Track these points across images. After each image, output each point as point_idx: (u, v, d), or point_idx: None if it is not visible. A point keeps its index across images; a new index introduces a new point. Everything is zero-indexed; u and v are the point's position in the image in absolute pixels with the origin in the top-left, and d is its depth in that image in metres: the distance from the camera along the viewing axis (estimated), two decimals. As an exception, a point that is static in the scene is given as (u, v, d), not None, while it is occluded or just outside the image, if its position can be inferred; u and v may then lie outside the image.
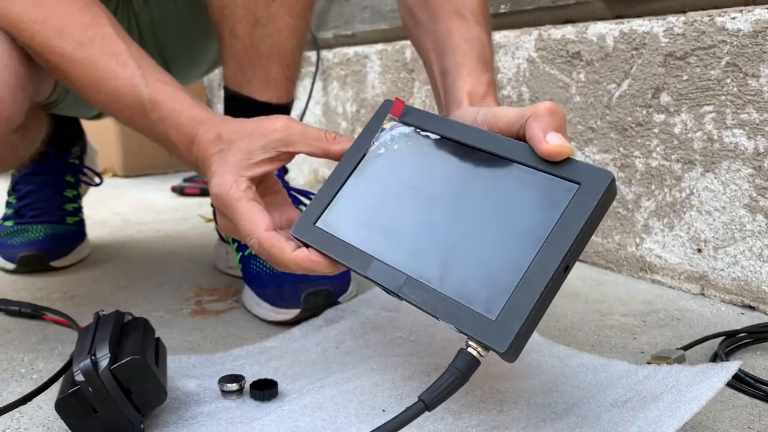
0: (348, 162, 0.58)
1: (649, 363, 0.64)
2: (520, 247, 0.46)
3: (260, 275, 0.81)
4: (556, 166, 0.47)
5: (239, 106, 0.87)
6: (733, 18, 0.78)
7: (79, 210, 1.10)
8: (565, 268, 0.45)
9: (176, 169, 2.04)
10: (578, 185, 0.46)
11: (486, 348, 0.44)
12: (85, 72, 0.64)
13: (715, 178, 0.82)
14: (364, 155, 0.57)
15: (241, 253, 0.86)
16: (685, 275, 0.86)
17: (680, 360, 0.64)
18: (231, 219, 0.58)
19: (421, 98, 1.28)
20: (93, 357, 0.52)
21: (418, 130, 0.56)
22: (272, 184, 0.63)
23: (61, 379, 0.58)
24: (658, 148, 0.88)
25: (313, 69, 1.57)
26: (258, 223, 0.56)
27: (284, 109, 0.90)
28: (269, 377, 0.62)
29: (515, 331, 0.43)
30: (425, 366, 0.63)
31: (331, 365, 0.65)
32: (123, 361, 0.52)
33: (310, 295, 0.76)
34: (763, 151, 0.77)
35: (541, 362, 0.65)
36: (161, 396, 0.54)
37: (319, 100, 1.59)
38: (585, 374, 0.62)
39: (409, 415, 0.45)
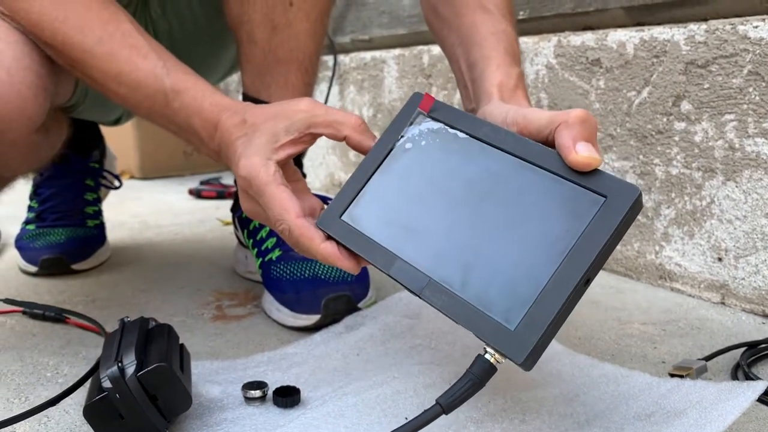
0: (375, 155, 0.58)
1: (670, 374, 0.64)
2: (543, 258, 0.46)
3: (280, 280, 0.82)
4: (584, 176, 0.47)
5: None
6: (756, 27, 0.78)
7: (99, 213, 1.11)
8: (586, 282, 0.45)
9: (192, 172, 2.05)
10: (605, 198, 0.46)
11: (503, 356, 0.45)
12: (107, 66, 0.65)
13: (737, 186, 0.81)
14: (392, 149, 0.57)
15: (261, 259, 0.87)
16: (705, 284, 0.86)
17: (702, 371, 0.64)
18: (260, 203, 0.58)
19: (438, 103, 1.28)
20: (120, 364, 0.53)
21: (446, 127, 0.56)
22: (292, 173, 0.63)
23: (87, 384, 0.59)
24: (678, 156, 0.87)
25: (329, 73, 1.58)
26: (289, 209, 0.56)
27: None
28: (291, 384, 0.62)
29: (533, 344, 0.43)
30: (446, 374, 0.63)
31: (351, 372, 0.66)
32: (149, 368, 0.53)
33: (330, 300, 0.76)
34: (785, 160, 0.76)
35: (562, 372, 0.65)
36: (187, 402, 0.54)
37: (335, 104, 1.60)
38: (607, 385, 0.62)
39: (427, 418, 0.46)
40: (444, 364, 0.66)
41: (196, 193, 1.69)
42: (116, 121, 1.14)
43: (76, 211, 1.07)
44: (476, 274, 0.48)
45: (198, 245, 1.21)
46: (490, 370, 0.46)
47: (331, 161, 1.65)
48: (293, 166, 0.65)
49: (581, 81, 0.98)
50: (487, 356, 0.45)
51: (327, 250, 0.56)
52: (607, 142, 0.96)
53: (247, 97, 0.89)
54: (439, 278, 0.49)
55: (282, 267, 0.82)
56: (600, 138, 0.97)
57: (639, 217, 0.93)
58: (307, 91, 0.90)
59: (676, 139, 0.87)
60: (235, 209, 0.99)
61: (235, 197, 1.01)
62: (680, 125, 0.87)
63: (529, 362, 0.44)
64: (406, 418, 0.56)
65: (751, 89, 0.79)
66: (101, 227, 1.10)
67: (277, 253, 0.84)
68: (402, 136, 0.57)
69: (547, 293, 0.44)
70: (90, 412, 0.53)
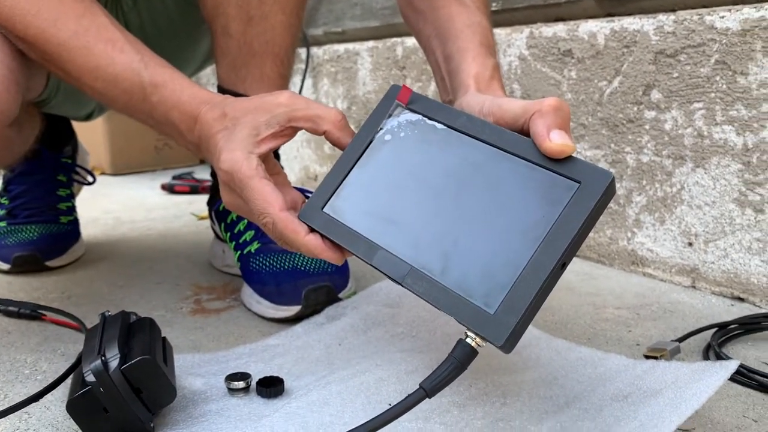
0: (355, 147, 0.58)
1: (645, 355, 0.66)
2: (520, 243, 0.47)
3: (260, 273, 0.82)
4: (558, 163, 0.48)
5: None
6: (722, 17, 0.80)
7: (72, 209, 1.10)
8: (562, 266, 0.46)
9: (164, 167, 2.03)
10: (579, 184, 0.47)
11: (484, 339, 0.46)
12: (82, 60, 0.64)
13: (705, 173, 0.83)
14: (371, 141, 0.58)
15: (239, 252, 0.87)
16: (677, 268, 0.88)
17: (675, 352, 0.66)
18: (242, 196, 0.58)
19: (412, 95, 1.29)
20: (103, 357, 0.53)
21: (424, 118, 0.57)
22: (272, 165, 0.63)
23: (69, 380, 0.59)
24: (649, 144, 0.89)
25: (302, 66, 1.57)
26: (272, 203, 0.56)
27: None
28: (274, 374, 0.63)
29: (512, 326, 0.44)
30: (428, 360, 0.64)
31: (334, 362, 0.66)
32: (133, 361, 0.53)
33: (311, 291, 0.77)
34: (751, 146, 0.79)
35: (541, 356, 0.66)
36: (171, 394, 0.55)
37: (309, 96, 1.59)
38: (584, 368, 0.63)
39: (411, 402, 0.46)
40: (425, 351, 0.67)
41: (169, 188, 1.68)
42: (88, 116, 1.12)
43: (49, 207, 1.06)
44: (456, 261, 0.49)
45: (173, 240, 1.20)
46: (472, 353, 0.47)
47: (306, 154, 1.65)
48: (273, 159, 0.65)
49: (553, 71, 1.00)
50: (468, 340, 0.47)
51: (311, 243, 0.56)
52: (579, 132, 0.98)
53: (222, 90, 0.89)
54: (420, 266, 0.50)
55: (261, 259, 0.82)
56: (572, 127, 0.98)
57: (611, 204, 0.95)
58: (283, 83, 0.90)
59: (647, 127, 0.89)
60: (212, 203, 0.98)
61: (211, 191, 1.01)
62: (650, 114, 0.89)
63: (508, 345, 0.45)
64: (390, 404, 0.57)
65: (718, 78, 0.81)
66: (75, 223, 1.09)
67: (255, 245, 0.85)
68: (381, 128, 0.58)
69: (525, 278, 0.46)
70: (73, 407, 0.52)
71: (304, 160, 1.65)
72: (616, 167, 0.94)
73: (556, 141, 0.48)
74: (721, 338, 0.69)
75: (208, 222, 1.32)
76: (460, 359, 0.47)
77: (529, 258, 0.46)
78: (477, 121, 0.54)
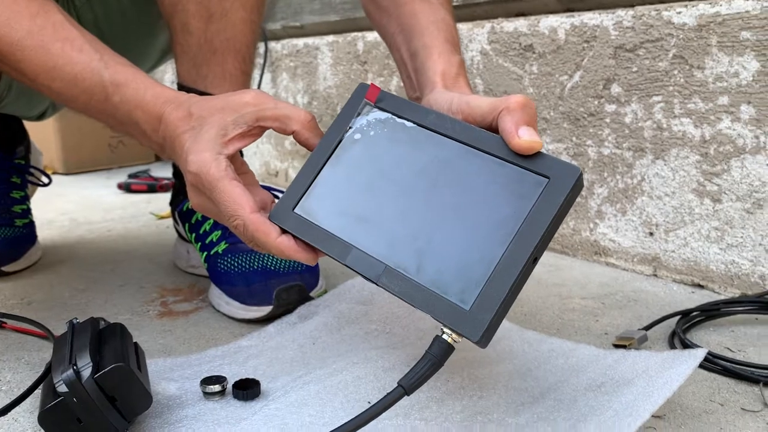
0: (324, 147, 0.58)
1: (614, 344, 0.68)
2: (492, 240, 0.48)
3: (228, 274, 0.81)
4: (527, 159, 0.49)
5: None
6: (679, 12, 0.82)
7: (27, 212, 1.06)
8: (534, 260, 0.47)
9: (119, 165, 1.99)
10: (548, 179, 0.48)
11: (460, 335, 0.46)
12: (38, 60, 0.62)
13: (665, 164, 0.86)
14: (341, 140, 0.58)
15: (206, 253, 0.86)
16: (638, 258, 0.91)
17: (642, 340, 0.68)
18: (211, 198, 0.57)
19: (374, 90, 1.29)
20: (75, 367, 0.52)
21: (394, 116, 0.57)
22: (240, 165, 0.62)
23: (38, 391, 0.57)
24: (609, 137, 0.91)
25: (261, 60, 1.56)
26: (243, 205, 0.55)
27: None
28: (249, 376, 0.62)
29: (488, 322, 0.45)
30: (404, 357, 0.64)
31: (309, 361, 0.66)
32: (107, 369, 0.52)
33: (282, 291, 0.76)
34: (709, 138, 0.81)
35: (513, 348, 0.68)
36: (147, 401, 0.54)
37: (268, 92, 1.58)
38: (556, 359, 0.64)
39: (390, 400, 0.47)
40: (400, 348, 0.67)
41: (126, 187, 1.64)
42: (41, 116, 1.09)
43: (3, 210, 1.02)
44: (430, 259, 0.50)
45: (134, 241, 1.18)
46: (448, 349, 0.47)
47: (266, 150, 1.64)
48: (241, 158, 0.64)
49: (515, 66, 1.01)
50: (444, 336, 0.47)
51: (283, 244, 0.56)
52: (542, 126, 0.99)
53: (182, 88, 0.88)
54: (394, 265, 0.50)
55: (229, 260, 0.81)
56: (535, 121, 1.00)
57: (574, 196, 0.97)
58: (245, 80, 0.89)
59: (607, 120, 0.91)
60: (175, 203, 0.97)
61: (173, 191, 0.99)
62: (611, 107, 0.90)
63: (484, 340, 0.46)
64: (369, 402, 0.57)
65: (676, 72, 0.83)
66: (31, 226, 1.05)
67: (223, 246, 0.83)
68: (350, 127, 0.58)
69: (498, 273, 0.46)
70: (45, 419, 0.51)
71: (264, 156, 1.64)
72: (577, 160, 0.95)
73: (524, 138, 0.49)
74: (684, 325, 0.71)
75: (168, 221, 1.30)
76: (437, 355, 0.47)
77: (501, 254, 0.47)
78: (446, 119, 0.55)
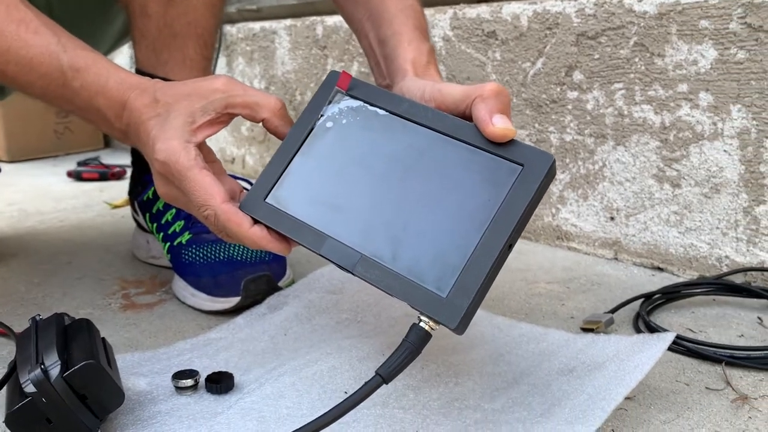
0: (295, 135, 0.57)
1: (582, 328, 0.69)
2: (468, 227, 0.48)
3: (193, 265, 0.79)
4: (501, 147, 0.50)
5: None
6: (640, 0, 0.83)
7: (-25, 203, 1.02)
8: (509, 247, 0.48)
9: (66, 152, 1.92)
10: (522, 167, 0.48)
11: (437, 322, 0.47)
12: None
13: (626, 150, 0.88)
14: (312, 129, 0.57)
15: (168, 243, 0.84)
16: (600, 242, 0.93)
17: (609, 323, 0.69)
18: (180, 188, 0.56)
19: (334, 75, 1.28)
20: (42, 366, 0.50)
21: (366, 104, 0.56)
22: (207, 152, 0.61)
23: (2, 392, 0.55)
24: (571, 124, 0.93)
25: (215, 44, 1.52)
26: (214, 195, 0.54)
27: None
28: (221, 369, 0.61)
29: (465, 309, 0.46)
30: (378, 345, 0.64)
31: (282, 352, 0.65)
32: (77, 367, 0.50)
33: (250, 281, 0.75)
34: (668, 125, 0.83)
35: (485, 333, 0.68)
36: (119, 398, 0.52)
37: (223, 77, 1.54)
38: (527, 344, 0.65)
39: (369, 389, 0.47)
40: (373, 336, 0.67)
41: (76, 176, 1.59)
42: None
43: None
44: (406, 247, 0.49)
45: (89, 231, 1.14)
46: (426, 337, 0.47)
47: (222, 136, 1.60)
48: (207, 146, 0.63)
49: (478, 53, 1.01)
50: (421, 324, 0.47)
51: (256, 234, 0.55)
52: (505, 112, 1.00)
53: (141, 74, 0.85)
54: (370, 254, 0.50)
55: (194, 251, 0.80)
56: (498, 107, 1.00)
57: (537, 182, 0.98)
58: (206, 65, 0.87)
59: (569, 107, 0.92)
60: (134, 193, 0.94)
61: (132, 180, 0.96)
62: (573, 94, 0.92)
63: (461, 327, 0.46)
64: (346, 392, 0.57)
65: (637, 59, 0.84)
66: (-21, 218, 1.01)
67: (186, 236, 0.82)
68: (322, 115, 0.58)
69: (474, 260, 0.47)
70: (13, 421, 0.49)
71: (219, 142, 1.61)
72: (540, 146, 0.97)
73: (498, 125, 0.50)
74: (648, 308, 0.73)
75: (123, 211, 1.27)
76: (415, 343, 0.47)
77: (477, 241, 0.47)
78: (419, 107, 0.54)
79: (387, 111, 0.56)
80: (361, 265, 0.50)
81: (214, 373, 0.59)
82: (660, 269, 0.87)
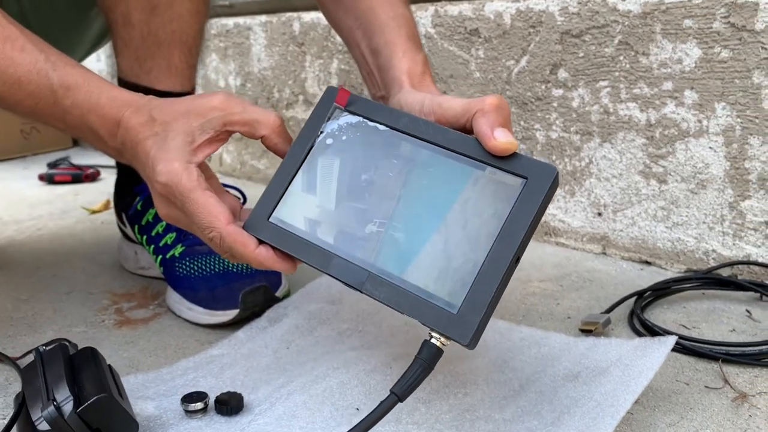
0: (296, 153, 0.57)
1: (581, 329, 0.71)
2: (475, 242, 0.48)
3: (188, 278, 0.78)
4: (504, 160, 0.50)
5: None
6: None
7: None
8: (517, 260, 0.48)
9: (34, 152, 1.87)
10: (526, 179, 0.49)
11: (449, 339, 0.47)
12: None
13: (612, 147, 0.89)
14: (312, 146, 0.57)
15: (161, 256, 0.83)
16: (588, 237, 0.94)
17: (607, 323, 0.71)
18: (183, 210, 0.55)
19: (314, 72, 1.26)
20: (55, 402, 0.49)
21: (365, 120, 0.56)
22: (205, 169, 0.60)
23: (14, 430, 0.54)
24: (557, 121, 0.94)
25: (188, 41, 1.49)
26: (219, 216, 0.54)
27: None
28: (228, 388, 0.61)
29: (477, 324, 0.46)
30: (383, 356, 0.65)
31: (286, 367, 0.65)
32: (90, 402, 0.49)
33: (248, 293, 0.74)
34: (654, 122, 0.84)
35: (487, 339, 0.69)
36: (133, 428, 0.52)
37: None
38: (529, 348, 0.67)
39: (384, 408, 0.47)
40: (375, 347, 0.68)
41: (48, 179, 1.55)
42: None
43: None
44: (414, 263, 0.50)
45: (70, 240, 1.12)
46: (438, 353, 0.48)
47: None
48: (205, 162, 0.62)
49: (461, 51, 1.01)
50: (433, 341, 0.48)
51: (262, 255, 0.55)
52: (490, 109, 1.00)
53: (124, 83, 0.84)
54: (377, 271, 0.50)
55: (188, 263, 0.79)
56: (482, 105, 1.01)
57: (523, 178, 0.99)
58: (192, 73, 0.86)
59: (555, 105, 0.93)
60: (122, 205, 0.92)
61: (117, 189, 0.94)
62: (558, 92, 0.92)
63: (473, 342, 0.47)
64: (358, 409, 0.58)
65: (621, 58, 0.85)
66: (-43, 233, 0.98)
67: (179, 249, 0.81)
68: (321, 132, 0.57)
69: (483, 275, 0.47)
70: (28, 458, 0.49)
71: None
72: (526, 144, 0.98)
73: (500, 139, 0.50)
74: (641, 305, 0.75)
75: (102, 216, 1.24)
76: (427, 360, 0.48)
77: (485, 255, 0.48)
78: (420, 122, 0.54)
79: (387, 126, 0.55)
80: (370, 283, 0.50)
81: (223, 395, 0.59)
82: (648, 263, 0.89)
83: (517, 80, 0.96)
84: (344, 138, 0.57)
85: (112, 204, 1.00)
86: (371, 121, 0.56)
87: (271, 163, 1.42)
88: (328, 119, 0.58)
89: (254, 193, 1.00)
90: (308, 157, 0.57)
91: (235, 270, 0.77)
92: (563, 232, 0.97)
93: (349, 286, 0.52)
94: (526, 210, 0.48)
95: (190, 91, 0.87)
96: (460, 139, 0.52)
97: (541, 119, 0.95)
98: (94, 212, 1.28)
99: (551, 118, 0.94)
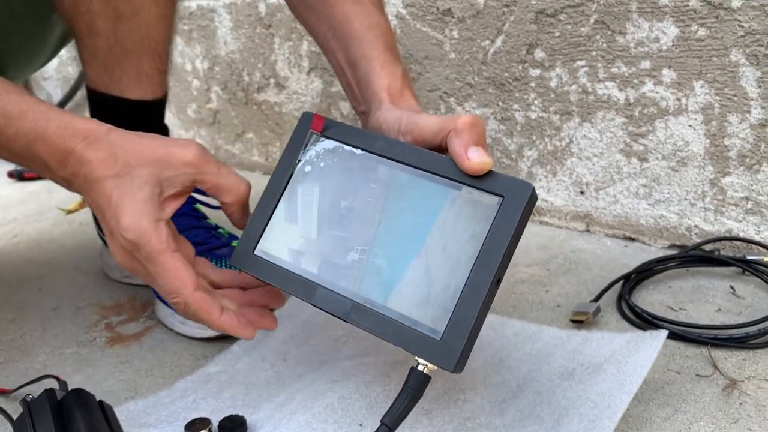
0: (276, 182, 0.57)
1: (571, 320, 0.72)
2: (455, 265, 0.48)
3: (177, 291, 0.78)
4: (480, 179, 0.49)
5: (110, 108, 0.81)
6: (598, -23, 0.83)
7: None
8: (498, 281, 0.48)
9: (0, 145, 1.82)
10: (502, 198, 0.48)
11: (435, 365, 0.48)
12: None
13: (592, 127, 0.89)
14: (292, 174, 0.57)
15: (146, 268, 0.81)
16: (571, 215, 0.95)
17: (596, 312, 0.72)
18: (147, 269, 0.55)
19: (284, 55, 1.24)
20: None
21: (342, 144, 0.56)
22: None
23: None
24: (536, 101, 0.93)
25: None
26: (186, 283, 0.54)
27: (160, 103, 0.85)
28: (229, 410, 0.61)
29: (460, 350, 0.46)
30: (380, 366, 0.65)
31: (285, 381, 0.66)
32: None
33: (239, 305, 0.74)
34: (633, 101, 0.84)
35: (482, 336, 0.68)
36: (135, 471, 0.52)
37: (162, 58, 1.47)
38: (523, 344, 0.68)
39: None
40: (372, 353, 0.68)
41: (18, 176, 1.51)
42: None
43: None
44: (396, 290, 0.50)
45: (50, 247, 1.10)
46: (425, 380, 0.48)
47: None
48: None
49: (434, 31, 0.99)
50: (419, 368, 0.48)
51: (228, 323, 0.56)
52: (467, 91, 0.99)
53: (93, 93, 0.81)
54: (361, 300, 0.51)
55: (176, 276, 0.78)
56: (459, 87, 1.00)
57: (504, 158, 0.99)
58: (163, 79, 0.84)
59: (533, 85, 0.92)
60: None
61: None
62: (535, 72, 0.92)
63: (459, 367, 0.47)
64: (361, 425, 0.59)
65: (598, 37, 0.84)
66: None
67: (165, 261, 0.80)
68: (300, 160, 0.57)
69: (465, 299, 0.47)
70: None
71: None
72: (505, 124, 0.97)
73: (474, 160, 0.49)
74: (628, 288, 0.76)
75: (79, 216, 1.22)
76: (415, 387, 0.48)
77: (466, 278, 0.47)
78: (395, 144, 0.54)
79: (363, 150, 0.55)
80: (354, 313, 0.51)
81: (225, 420, 0.59)
82: (632, 239, 0.90)
83: (493, 61, 0.95)
84: (322, 164, 0.56)
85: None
86: (347, 145, 0.56)
87: (245, 148, 1.39)
88: (305, 146, 0.57)
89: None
90: (288, 185, 0.57)
91: (224, 281, 0.77)
92: (546, 211, 0.97)
93: (334, 315, 0.52)
94: (504, 229, 0.47)
95: (162, 97, 0.85)
96: (435, 159, 0.52)
97: (519, 99, 0.94)
98: (70, 212, 1.26)
99: (530, 99, 0.93)
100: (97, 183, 0.54)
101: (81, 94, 1.72)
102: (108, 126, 0.56)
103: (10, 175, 1.53)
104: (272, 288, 0.56)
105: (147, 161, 0.54)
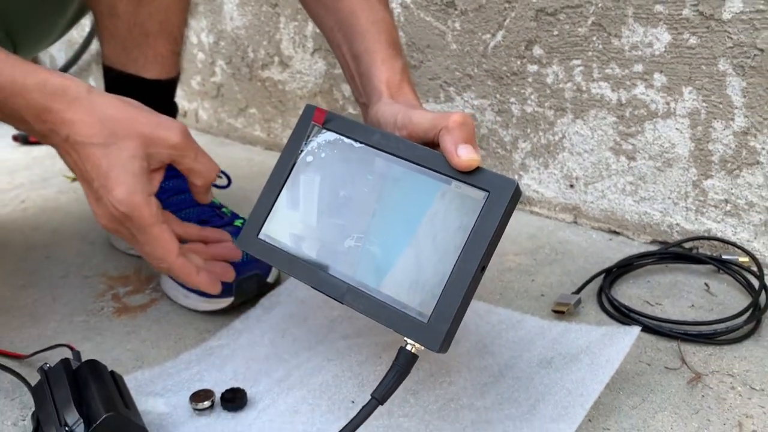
0: (280, 171, 0.61)
1: (554, 310, 0.76)
2: (443, 254, 0.53)
3: (182, 266, 0.82)
4: (468, 175, 0.53)
5: (126, 84, 0.85)
6: (597, -20, 0.85)
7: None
8: (482, 269, 0.52)
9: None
10: (488, 193, 0.52)
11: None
12: None
13: (584, 124, 0.92)
14: (294, 163, 0.61)
15: (153, 243, 0.85)
16: (560, 207, 0.99)
17: (577, 304, 0.77)
18: (134, 236, 0.61)
19: (289, 34, 1.26)
20: (66, 427, 0.53)
21: (342, 137, 0.60)
22: None
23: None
24: (532, 96, 0.96)
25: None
26: (171, 251, 0.61)
27: (173, 82, 0.89)
28: (230, 382, 0.66)
29: (444, 332, 0.51)
30: (372, 346, 0.70)
31: (283, 357, 0.70)
32: (98, 423, 0.53)
33: (242, 281, 0.78)
34: (624, 102, 0.88)
35: (467, 322, 0.75)
36: (143, 437, 0.57)
37: (168, 29, 1.49)
38: (507, 332, 0.72)
39: (367, 412, 0.52)
40: (365, 334, 0.73)
41: (23, 140, 1.54)
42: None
43: None
44: (389, 276, 0.55)
45: (56, 215, 1.13)
46: (413, 359, 0.53)
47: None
48: None
49: (437, 22, 1.02)
50: (408, 347, 0.53)
51: (202, 281, 0.65)
52: (466, 82, 1.02)
53: (109, 69, 0.85)
54: (356, 284, 0.55)
55: (182, 252, 0.82)
56: (458, 77, 1.03)
57: (498, 149, 1.03)
58: (176, 60, 0.88)
59: (530, 80, 0.96)
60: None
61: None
62: (533, 68, 0.95)
63: (444, 348, 0.51)
64: (353, 402, 0.63)
65: (594, 38, 0.88)
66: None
67: (172, 237, 0.84)
68: (302, 150, 0.61)
69: (450, 285, 0.51)
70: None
71: (171, 96, 1.57)
72: (502, 116, 1.00)
73: (463, 156, 0.53)
74: (609, 282, 0.81)
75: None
76: (404, 365, 0.53)
77: (452, 267, 0.52)
78: (391, 138, 0.58)
79: (361, 143, 0.59)
80: (349, 296, 0.55)
81: (227, 392, 0.64)
82: (617, 233, 0.94)
83: (493, 54, 0.98)
84: (323, 155, 0.60)
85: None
86: (347, 138, 0.60)
87: (248, 123, 1.42)
88: (308, 137, 0.61)
89: (230, 152, 1.04)
90: (291, 174, 0.61)
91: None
92: (537, 201, 1.01)
93: (332, 297, 0.56)
94: (488, 222, 0.51)
95: (175, 77, 0.89)
96: (428, 154, 0.56)
97: (516, 93, 0.98)
98: (74, 180, 1.29)
99: (526, 93, 0.97)
100: (83, 148, 0.56)
101: (84, 58, 1.74)
102: (87, 85, 0.58)
103: (15, 138, 1.55)
104: (230, 243, 0.64)
105: (135, 134, 0.57)
